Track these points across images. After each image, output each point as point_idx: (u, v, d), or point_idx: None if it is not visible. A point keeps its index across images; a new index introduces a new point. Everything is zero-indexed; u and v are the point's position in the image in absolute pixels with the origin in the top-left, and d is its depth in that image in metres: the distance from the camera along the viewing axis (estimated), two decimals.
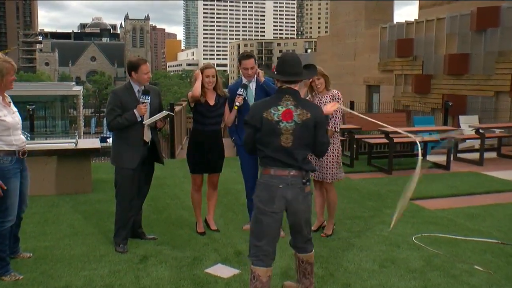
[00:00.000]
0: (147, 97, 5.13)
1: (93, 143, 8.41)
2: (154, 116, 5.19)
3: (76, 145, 7.80)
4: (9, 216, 4.50)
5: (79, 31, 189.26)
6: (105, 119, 5.40)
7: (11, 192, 4.47)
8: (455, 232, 6.00)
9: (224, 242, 5.56)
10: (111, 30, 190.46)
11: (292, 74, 3.76)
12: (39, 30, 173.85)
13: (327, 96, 5.68)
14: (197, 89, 5.49)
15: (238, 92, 5.61)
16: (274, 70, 3.84)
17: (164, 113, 5.20)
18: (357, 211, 6.92)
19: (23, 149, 4.59)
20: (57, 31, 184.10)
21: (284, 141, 3.66)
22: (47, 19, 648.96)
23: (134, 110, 5.08)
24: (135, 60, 5.20)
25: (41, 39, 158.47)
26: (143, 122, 5.16)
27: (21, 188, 4.67)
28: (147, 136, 5.27)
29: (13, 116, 4.50)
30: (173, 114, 5.55)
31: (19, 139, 4.54)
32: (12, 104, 4.63)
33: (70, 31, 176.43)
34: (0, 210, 4.46)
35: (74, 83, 53.75)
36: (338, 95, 5.66)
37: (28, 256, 5.03)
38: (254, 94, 5.77)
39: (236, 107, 5.61)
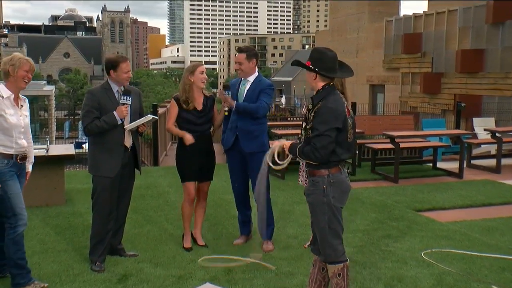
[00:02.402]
0: (128, 98, 5.13)
1: (66, 149, 8.37)
2: (137, 121, 5.19)
3: (47, 151, 7.76)
4: (20, 220, 4.61)
5: (50, 23, 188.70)
6: (80, 122, 5.41)
7: (13, 195, 4.56)
8: (469, 248, 6.01)
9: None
10: (87, 23, 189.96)
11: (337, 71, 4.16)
12: (4, 22, 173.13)
13: None
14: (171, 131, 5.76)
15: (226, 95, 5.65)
16: (316, 67, 4.03)
17: (149, 117, 5.21)
18: (359, 224, 6.92)
19: (22, 154, 4.69)
20: (25, 23, 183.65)
21: (349, 136, 4.07)
22: (11, 10, 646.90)
23: (114, 112, 5.07)
24: (114, 58, 5.24)
25: (6, 32, 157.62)
26: (125, 127, 5.15)
27: None
28: (128, 141, 5.26)
29: (19, 118, 4.61)
30: (157, 117, 5.54)
31: (19, 143, 4.63)
32: (26, 108, 4.76)
33: (40, 23, 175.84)
34: (8, 216, 4.57)
35: (45, 82, 53.54)
36: None
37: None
38: (244, 94, 5.78)
39: (226, 113, 5.64)
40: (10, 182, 4.57)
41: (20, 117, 4.63)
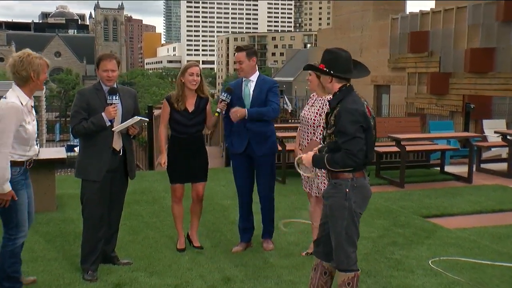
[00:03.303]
0: (114, 97, 5.10)
1: (57, 152, 8.36)
2: (125, 122, 5.16)
3: (37, 155, 7.74)
4: (21, 232, 4.60)
5: (41, 21, 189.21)
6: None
7: (20, 206, 4.55)
8: (479, 256, 6.00)
9: (210, 267, 5.54)
10: (79, 20, 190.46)
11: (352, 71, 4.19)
12: None
13: (320, 100, 5.65)
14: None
15: (220, 97, 5.68)
16: (330, 69, 4.06)
17: (136, 118, 5.16)
18: (363, 231, 6.89)
19: (31, 160, 4.69)
20: (13, 20, 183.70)
21: (373, 138, 4.12)
22: None
23: (102, 114, 5.07)
24: (99, 55, 5.30)
25: None
26: (112, 129, 5.14)
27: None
28: (117, 144, 5.25)
29: (33, 124, 4.60)
30: (147, 119, 5.51)
31: (32, 150, 4.64)
32: (33, 109, 4.74)
33: (29, 20, 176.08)
34: (10, 226, 4.55)
35: None
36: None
37: (32, 280, 5.06)
38: (251, 95, 5.81)
39: (217, 114, 5.66)
40: (21, 192, 4.56)
41: (33, 122, 4.61)
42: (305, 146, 5.63)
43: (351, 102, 3.97)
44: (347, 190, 3.99)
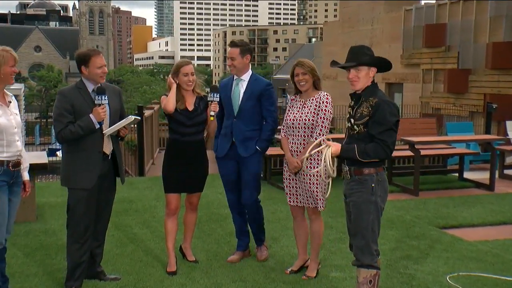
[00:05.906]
0: (103, 97, 5.10)
1: (38, 157, 8.34)
2: (117, 124, 5.17)
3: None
4: None
5: (18, 12, 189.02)
6: (53, 127, 5.41)
7: None
8: (503, 272, 5.99)
9: (206, 283, 5.53)
10: (61, 12, 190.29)
11: None
12: None
13: (312, 99, 5.59)
14: (170, 103, 5.57)
15: (209, 98, 5.72)
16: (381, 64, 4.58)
17: (130, 118, 5.19)
18: None
19: (15, 160, 4.69)
20: None
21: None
22: None
23: (91, 115, 5.06)
24: (84, 51, 5.25)
25: None
26: (103, 132, 5.14)
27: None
28: (108, 147, 5.26)
29: (9, 118, 4.63)
30: (139, 118, 5.52)
31: (12, 146, 4.65)
32: (14, 105, 4.80)
33: (6, 12, 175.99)
34: None
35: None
36: (327, 100, 5.53)
37: None
38: (241, 97, 5.90)
39: (212, 118, 5.67)
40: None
41: (10, 116, 4.65)
42: (300, 151, 5.56)
43: (386, 96, 4.42)
44: (373, 185, 4.32)
